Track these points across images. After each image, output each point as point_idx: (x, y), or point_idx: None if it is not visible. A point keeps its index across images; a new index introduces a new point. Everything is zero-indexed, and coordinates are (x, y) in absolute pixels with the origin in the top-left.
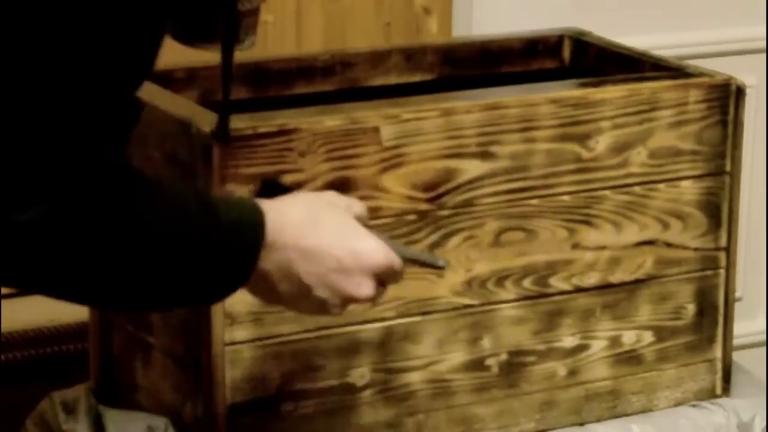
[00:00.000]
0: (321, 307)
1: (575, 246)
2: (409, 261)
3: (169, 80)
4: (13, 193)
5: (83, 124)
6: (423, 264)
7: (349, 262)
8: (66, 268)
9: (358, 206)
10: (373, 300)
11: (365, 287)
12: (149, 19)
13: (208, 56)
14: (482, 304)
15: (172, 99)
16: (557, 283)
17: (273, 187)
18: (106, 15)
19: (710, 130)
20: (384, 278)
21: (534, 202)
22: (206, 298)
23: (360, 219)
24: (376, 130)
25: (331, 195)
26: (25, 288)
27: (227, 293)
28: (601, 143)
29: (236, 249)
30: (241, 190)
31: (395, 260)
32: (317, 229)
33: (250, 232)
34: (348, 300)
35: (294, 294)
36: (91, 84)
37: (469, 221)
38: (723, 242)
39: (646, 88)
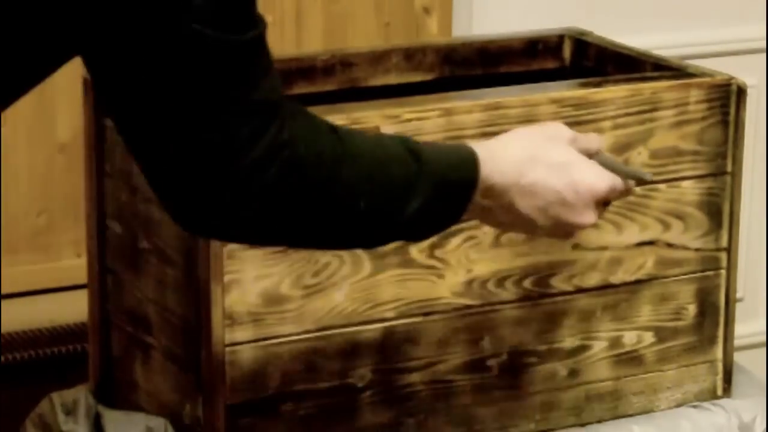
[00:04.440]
0: (548, 233)
1: (576, 246)
2: (629, 177)
3: None
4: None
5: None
6: (638, 179)
7: (570, 195)
8: (296, 202)
9: (583, 138)
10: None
11: (587, 216)
12: None
13: None
14: (483, 305)
15: None
16: (558, 283)
17: None
18: None
19: (711, 130)
20: (607, 200)
21: None
22: (420, 236)
23: (584, 150)
24: (377, 130)
25: (554, 127)
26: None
27: (441, 230)
28: (602, 143)
29: (446, 195)
30: None
31: (616, 184)
32: (536, 165)
33: (461, 177)
34: (573, 227)
35: (519, 225)
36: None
37: (470, 221)
38: (724, 243)
39: (646, 88)
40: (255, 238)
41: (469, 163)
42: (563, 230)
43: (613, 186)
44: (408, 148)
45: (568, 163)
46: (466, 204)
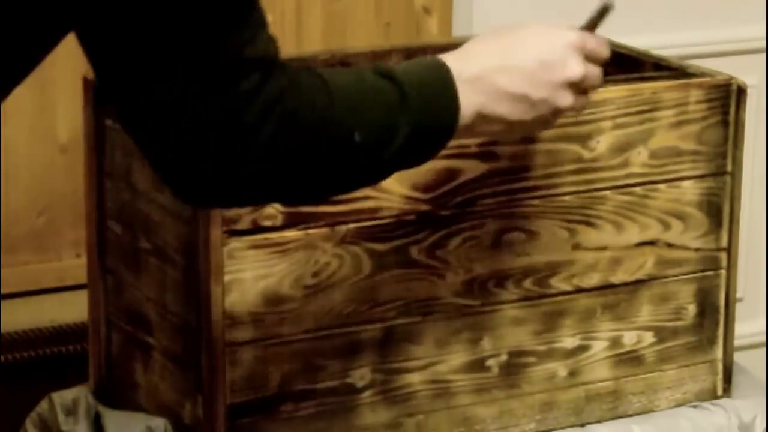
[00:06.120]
0: (550, 107)
1: (576, 246)
2: (596, 21)
3: None
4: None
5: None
6: (600, 17)
7: (548, 54)
8: (284, 141)
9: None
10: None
11: (574, 65)
12: None
13: None
14: (483, 305)
15: None
16: (558, 283)
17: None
18: None
19: (711, 130)
20: (588, 55)
21: (535, 202)
22: (407, 165)
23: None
24: None
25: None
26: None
27: (441, 147)
28: (602, 143)
29: (429, 121)
30: None
31: (586, 34)
32: (512, 47)
33: (439, 85)
34: (567, 85)
35: (516, 111)
36: None
37: (470, 222)
38: (724, 243)
39: (646, 88)
40: (256, 198)
41: (440, 68)
42: (559, 93)
43: (583, 35)
44: (388, 77)
45: (540, 34)
46: (455, 110)
